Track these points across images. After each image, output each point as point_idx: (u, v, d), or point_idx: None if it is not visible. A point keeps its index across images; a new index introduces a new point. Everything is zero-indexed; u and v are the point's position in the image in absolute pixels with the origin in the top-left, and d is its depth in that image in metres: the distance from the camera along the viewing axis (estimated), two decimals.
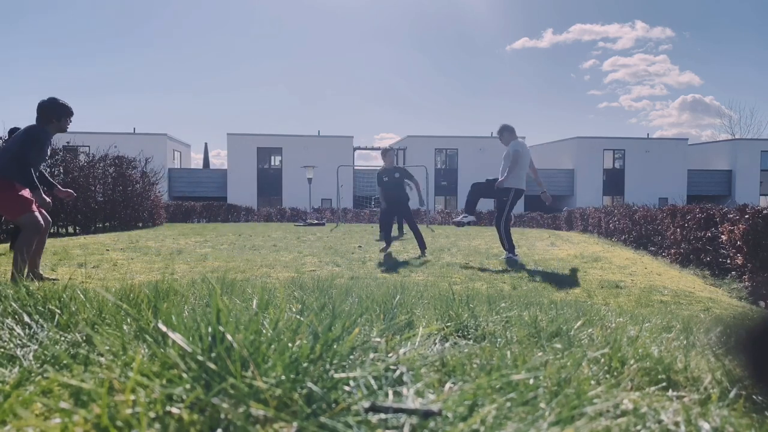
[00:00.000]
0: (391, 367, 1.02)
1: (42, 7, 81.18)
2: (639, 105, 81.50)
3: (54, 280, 4.61)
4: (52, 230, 11.60)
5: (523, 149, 7.56)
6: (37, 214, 4.69)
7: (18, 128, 7.11)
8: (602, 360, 1.38)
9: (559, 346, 1.54)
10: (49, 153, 4.86)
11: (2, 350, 1.24)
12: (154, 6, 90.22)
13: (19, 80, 74.44)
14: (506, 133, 7.63)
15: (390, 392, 0.93)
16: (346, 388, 0.93)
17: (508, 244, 7.57)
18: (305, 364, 0.96)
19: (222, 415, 0.83)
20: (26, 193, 4.68)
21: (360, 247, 9.18)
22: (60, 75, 75.87)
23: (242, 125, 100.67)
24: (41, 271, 4.90)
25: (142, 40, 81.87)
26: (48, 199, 4.97)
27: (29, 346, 1.28)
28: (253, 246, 9.14)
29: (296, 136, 33.61)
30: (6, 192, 4.56)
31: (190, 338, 0.99)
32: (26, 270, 4.37)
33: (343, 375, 0.95)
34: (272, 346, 0.99)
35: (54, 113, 4.76)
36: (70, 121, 4.87)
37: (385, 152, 8.54)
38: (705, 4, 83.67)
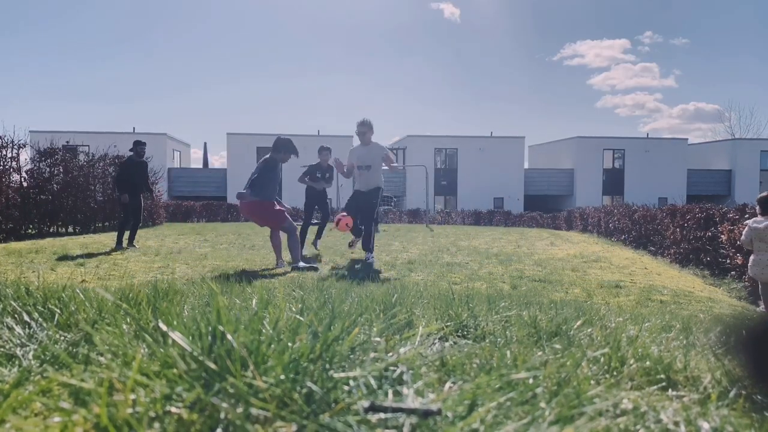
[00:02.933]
0: (391, 366, 1.02)
1: (38, 10, 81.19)
2: (638, 106, 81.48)
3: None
4: (51, 230, 11.64)
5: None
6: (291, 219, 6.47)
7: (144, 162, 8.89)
8: (602, 360, 1.38)
9: (558, 345, 1.54)
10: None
11: (2, 349, 1.24)
12: (154, 5, 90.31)
13: (21, 83, 74.53)
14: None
15: (390, 392, 0.93)
16: (346, 387, 0.93)
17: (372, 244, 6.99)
18: (305, 364, 0.96)
19: (222, 415, 0.83)
20: (279, 206, 6.48)
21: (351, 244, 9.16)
22: (58, 74, 75.89)
23: (242, 125, 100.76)
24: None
25: (142, 40, 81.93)
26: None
27: (29, 345, 1.28)
28: (253, 246, 9.13)
29: (296, 135, 33.55)
30: (272, 209, 6.35)
31: (190, 337, 0.98)
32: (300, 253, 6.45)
33: (342, 375, 0.95)
34: (272, 346, 0.99)
35: (286, 147, 6.54)
36: (290, 157, 6.60)
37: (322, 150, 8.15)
38: (705, 4, 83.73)
